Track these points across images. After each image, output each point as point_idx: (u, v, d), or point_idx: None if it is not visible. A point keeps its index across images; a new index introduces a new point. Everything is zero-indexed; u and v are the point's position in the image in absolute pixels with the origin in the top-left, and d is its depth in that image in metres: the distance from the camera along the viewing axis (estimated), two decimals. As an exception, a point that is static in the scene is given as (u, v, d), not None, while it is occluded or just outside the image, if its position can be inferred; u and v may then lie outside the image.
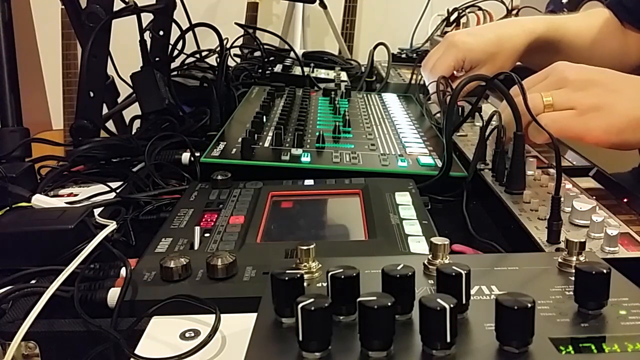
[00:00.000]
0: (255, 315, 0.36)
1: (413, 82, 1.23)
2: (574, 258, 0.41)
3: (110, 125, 1.13)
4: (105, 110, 1.00)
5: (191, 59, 1.20)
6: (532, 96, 0.65)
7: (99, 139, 0.84)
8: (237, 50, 1.46)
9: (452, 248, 0.55)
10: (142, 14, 0.92)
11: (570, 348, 0.32)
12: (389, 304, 0.31)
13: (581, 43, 1.04)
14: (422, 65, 1.08)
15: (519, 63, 1.02)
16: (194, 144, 0.81)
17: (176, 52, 1.01)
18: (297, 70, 1.30)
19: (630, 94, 0.67)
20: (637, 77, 0.69)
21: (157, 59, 0.99)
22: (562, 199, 0.57)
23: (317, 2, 2.31)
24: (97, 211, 0.63)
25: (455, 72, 1.00)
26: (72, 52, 2.45)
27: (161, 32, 0.99)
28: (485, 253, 0.56)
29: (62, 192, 0.73)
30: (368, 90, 1.25)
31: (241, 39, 1.42)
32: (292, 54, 1.44)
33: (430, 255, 0.41)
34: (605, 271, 0.35)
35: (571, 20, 1.07)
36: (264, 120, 0.89)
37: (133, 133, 0.96)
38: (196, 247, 0.55)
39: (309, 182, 0.70)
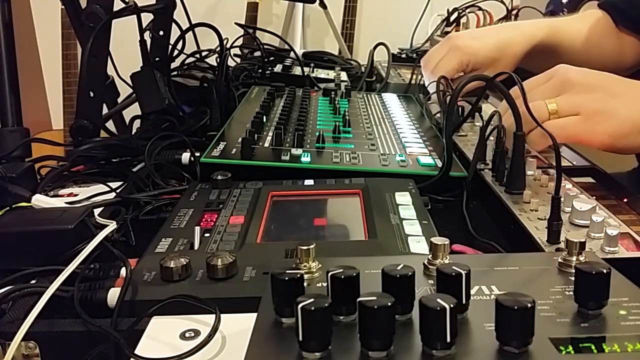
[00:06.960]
0: (255, 315, 0.36)
1: (413, 82, 1.23)
2: (574, 258, 0.41)
3: (110, 125, 1.13)
4: (105, 110, 1.00)
5: (191, 59, 1.20)
6: (536, 104, 0.65)
7: (99, 139, 0.84)
8: (237, 50, 1.46)
9: (452, 248, 0.55)
10: (142, 14, 0.92)
11: (570, 348, 0.32)
12: (389, 304, 0.31)
13: (578, 46, 1.04)
14: (423, 65, 1.08)
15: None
16: (194, 144, 0.81)
17: (176, 52, 1.01)
18: (297, 70, 1.30)
19: (633, 97, 0.67)
20: (638, 81, 0.69)
21: (157, 59, 0.99)
22: (562, 199, 0.57)
23: (317, 2, 2.31)
24: (97, 211, 0.63)
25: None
26: (72, 52, 2.45)
27: (161, 32, 0.98)
28: (485, 253, 0.56)
29: (62, 192, 0.73)
30: (368, 90, 1.25)
31: (241, 39, 1.42)
32: (292, 54, 1.44)
33: (430, 255, 0.41)
34: (605, 271, 0.35)
35: (568, 23, 1.07)
36: (264, 120, 0.89)
37: (133, 133, 0.96)
38: (196, 247, 0.55)
39: (309, 182, 0.70)
